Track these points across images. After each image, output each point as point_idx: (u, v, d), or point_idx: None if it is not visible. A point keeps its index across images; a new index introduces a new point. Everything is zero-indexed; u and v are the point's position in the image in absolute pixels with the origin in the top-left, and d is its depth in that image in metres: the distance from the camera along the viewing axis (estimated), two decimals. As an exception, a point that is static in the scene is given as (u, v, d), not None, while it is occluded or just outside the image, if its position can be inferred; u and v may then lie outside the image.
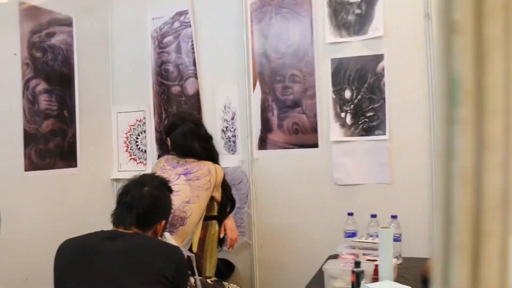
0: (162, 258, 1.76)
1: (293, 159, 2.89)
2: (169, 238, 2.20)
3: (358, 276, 2.01)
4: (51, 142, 2.78)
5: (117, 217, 1.90)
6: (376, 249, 2.25)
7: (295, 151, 2.87)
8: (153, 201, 1.91)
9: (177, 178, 2.43)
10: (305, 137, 2.85)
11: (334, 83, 2.78)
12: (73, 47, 2.91)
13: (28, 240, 2.57)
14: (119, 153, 3.15)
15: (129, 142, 3.15)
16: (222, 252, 2.94)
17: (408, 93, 2.67)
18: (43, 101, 2.74)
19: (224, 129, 3.00)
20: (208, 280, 2.38)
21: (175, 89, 3.08)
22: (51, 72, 2.79)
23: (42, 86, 2.73)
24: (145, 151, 3.12)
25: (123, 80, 3.18)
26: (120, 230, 1.85)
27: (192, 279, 2.27)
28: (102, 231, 1.85)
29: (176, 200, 2.37)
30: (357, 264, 2.06)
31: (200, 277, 2.38)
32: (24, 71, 2.63)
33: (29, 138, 2.64)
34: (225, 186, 2.59)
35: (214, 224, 2.55)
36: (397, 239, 2.42)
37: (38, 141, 2.70)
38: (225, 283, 2.43)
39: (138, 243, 1.79)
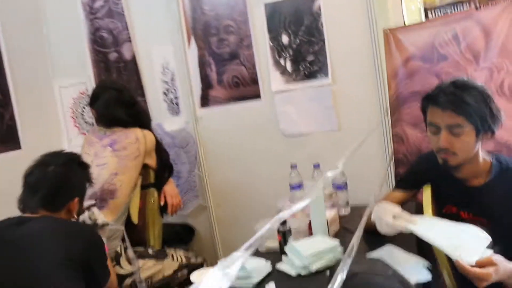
0: (68, 240, 1.57)
1: (237, 114, 2.61)
2: (97, 213, 1.99)
3: (284, 235, 1.78)
4: (-13, 126, 2.56)
5: (23, 201, 1.70)
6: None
7: (238, 106, 2.59)
8: (59, 180, 1.71)
9: (104, 150, 2.20)
10: (247, 89, 2.56)
11: (270, 30, 2.46)
12: (-4, 24, 2.64)
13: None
14: (67, 129, 2.91)
15: (75, 116, 2.91)
16: (181, 217, 2.74)
17: (349, 32, 2.35)
18: (-30, 86, 2.51)
19: (166, 91, 2.72)
20: (150, 251, 2.18)
21: (113, 55, 2.80)
22: (-27, 53, 2.54)
23: (-35, 70, 2.49)
24: (93, 123, 2.87)
25: (60, 52, 2.89)
26: (27, 215, 1.66)
27: (130, 252, 2.08)
28: (8, 219, 1.65)
29: (104, 173, 2.15)
30: (283, 222, 1.82)
31: (141, 248, 2.19)
32: None
33: (-38, 126, 2.43)
34: (160, 151, 2.34)
35: (153, 192, 2.32)
36: (341, 187, 2.17)
37: (-28, 127, 2.48)
38: (170, 251, 2.22)
39: (42, 227, 1.59)
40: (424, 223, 1.42)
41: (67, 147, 2.88)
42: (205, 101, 2.65)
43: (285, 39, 2.43)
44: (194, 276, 1.52)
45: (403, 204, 1.76)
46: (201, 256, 2.29)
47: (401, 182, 1.82)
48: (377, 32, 2.28)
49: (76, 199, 1.75)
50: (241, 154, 2.65)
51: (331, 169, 2.19)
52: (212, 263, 2.58)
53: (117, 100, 2.25)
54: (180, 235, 2.71)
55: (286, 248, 1.69)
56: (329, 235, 1.83)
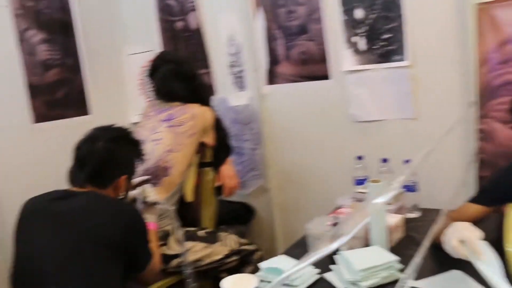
0: (109, 220, 1.48)
1: (304, 94, 2.33)
2: (149, 190, 1.84)
3: (337, 242, 1.52)
4: (59, 92, 2.50)
5: (71, 175, 1.62)
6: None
7: (305, 85, 2.31)
8: (107, 156, 1.58)
9: (160, 125, 2.04)
10: (315, 67, 2.26)
11: (342, 2, 2.12)
12: (70, -9, 2.53)
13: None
14: (136, 97, 2.80)
15: (143, 84, 2.78)
16: (242, 196, 2.56)
17: (433, 5, 1.95)
18: (43, 51, 2.43)
19: (231, 64, 2.50)
20: (202, 232, 2.01)
21: (179, 24, 2.60)
22: (48, 20, 2.44)
23: (39, 36, 2.41)
24: (158, 94, 2.73)
25: (130, 20, 2.74)
26: (74, 189, 1.57)
27: (179, 233, 1.93)
28: (56, 191, 1.58)
29: (158, 149, 1.99)
30: (335, 224, 1.57)
31: (193, 229, 2.03)
32: (17, 22, 2.32)
33: (34, 90, 2.37)
34: (219, 129, 2.15)
35: (208, 171, 2.14)
36: (410, 188, 1.85)
37: (43, 92, 2.42)
38: (222, 234, 2.04)
39: (85, 204, 1.50)
40: (491, 261, 1.12)
41: (136, 115, 2.78)
42: (271, 77, 2.39)
43: (359, 13, 2.09)
44: (225, 284, 1.33)
45: (482, 220, 1.44)
46: (255, 244, 2.09)
47: (481, 195, 1.49)
48: (467, 7, 1.87)
49: (124, 177, 1.63)
50: (305, 136, 2.39)
51: (401, 163, 1.88)
52: (268, 249, 2.39)
53: (176, 73, 2.07)
54: (238, 214, 2.54)
55: (337, 258, 1.45)
56: (390, 243, 1.56)
